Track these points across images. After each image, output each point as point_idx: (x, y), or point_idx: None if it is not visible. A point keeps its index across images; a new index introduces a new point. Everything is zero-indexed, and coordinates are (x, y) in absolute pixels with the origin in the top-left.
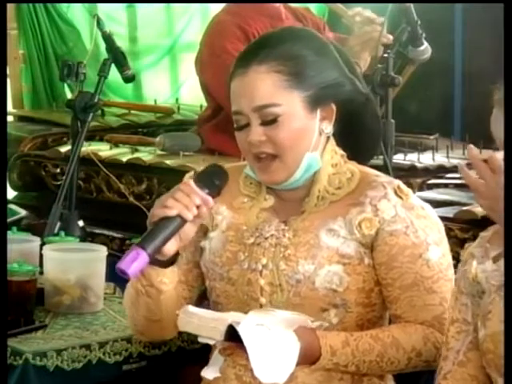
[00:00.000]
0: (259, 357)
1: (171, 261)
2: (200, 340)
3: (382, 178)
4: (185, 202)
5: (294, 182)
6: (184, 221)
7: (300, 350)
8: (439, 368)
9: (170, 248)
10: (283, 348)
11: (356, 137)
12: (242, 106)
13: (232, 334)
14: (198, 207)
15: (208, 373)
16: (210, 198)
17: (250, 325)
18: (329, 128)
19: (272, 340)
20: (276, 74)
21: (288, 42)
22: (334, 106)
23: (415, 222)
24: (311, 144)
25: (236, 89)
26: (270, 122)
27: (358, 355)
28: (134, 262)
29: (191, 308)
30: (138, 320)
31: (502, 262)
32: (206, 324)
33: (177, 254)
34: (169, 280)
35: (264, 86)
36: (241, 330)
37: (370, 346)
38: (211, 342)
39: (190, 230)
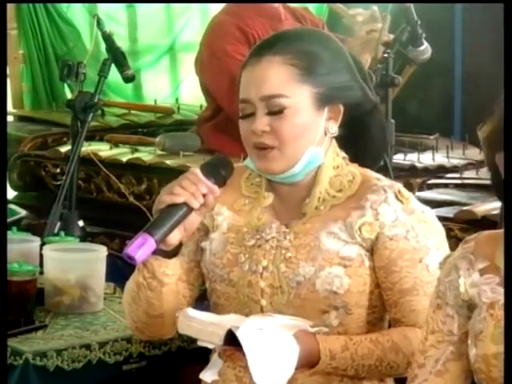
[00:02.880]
0: (258, 362)
1: (174, 252)
2: (199, 343)
3: (383, 181)
4: (191, 190)
5: (293, 174)
6: (190, 209)
7: (299, 353)
8: (413, 375)
9: (174, 238)
10: (282, 352)
11: (359, 144)
12: (250, 94)
13: (231, 339)
14: (204, 196)
15: (207, 376)
16: (216, 187)
17: (249, 329)
18: (334, 128)
19: (271, 344)
20: (290, 66)
21: (305, 39)
22: (341, 108)
23: (416, 227)
24: (315, 141)
25: (246, 77)
26: (276, 112)
27: (357, 359)
28: (141, 247)
29: (191, 311)
30: (138, 317)
31: (490, 276)
32: (205, 328)
33: (180, 246)
34: (171, 272)
35: (276, 76)
36: (240, 334)
37: (369, 350)
38: (211, 346)
39: (194, 220)
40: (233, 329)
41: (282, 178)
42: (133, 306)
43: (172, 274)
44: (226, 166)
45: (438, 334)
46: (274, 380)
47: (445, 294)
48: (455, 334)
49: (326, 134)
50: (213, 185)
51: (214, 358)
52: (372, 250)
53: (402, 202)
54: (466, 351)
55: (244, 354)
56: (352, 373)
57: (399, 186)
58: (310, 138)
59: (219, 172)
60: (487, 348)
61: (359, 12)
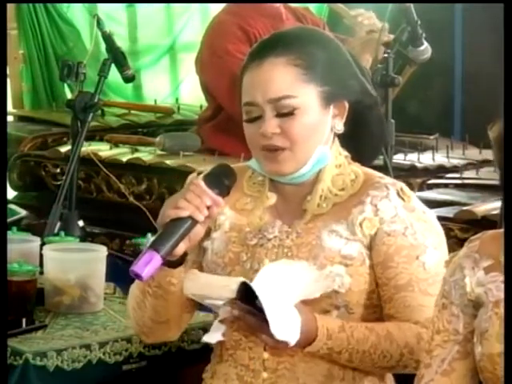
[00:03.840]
0: (273, 313)
1: (179, 261)
2: (206, 302)
3: (386, 179)
4: (196, 203)
5: (300, 175)
6: (195, 222)
7: (300, 327)
8: (419, 375)
9: (180, 250)
10: (289, 313)
11: (358, 139)
12: (256, 97)
13: (243, 294)
14: (208, 208)
15: (211, 338)
16: (220, 199)
17: (262, 283)
18: (340, 125)
19: (280, 303)
20: (294, 67)
21: (305, 39)
22: (346, 104)
23: (415, 224)
24: (323, 139)
25: (249, 80)
26: (287, 114)
27: (352, 342)
28: (148, 264)
29: (196, 271)
30: (143, 322)
31: (495, 274)
32: (215, 283)
33: (185, 255)
34: (176, 280)
35: (282, 77)
36: (255, 286)
37: (364, 335)
38: (219, 303)
39: (199, 231)
40: (247, 282)
41: (290, 179)
42: (138, 311)
43: (177, 283)
44: (228, 176)
45: (444, 334)
46: (288, 334)
47: (450, 293)
48: (461, 333)
49: (332, 130)
50: (217, 196)
51: (215, 323)
52: (371, 246)
53: (403, 199)
54: (472, 350)
55: (254, 312)
56: (345, 357)
57: (402, 184)
58: (319, 137)
59: (223, 182)
60: (492, 347)
61: (360, 12)
